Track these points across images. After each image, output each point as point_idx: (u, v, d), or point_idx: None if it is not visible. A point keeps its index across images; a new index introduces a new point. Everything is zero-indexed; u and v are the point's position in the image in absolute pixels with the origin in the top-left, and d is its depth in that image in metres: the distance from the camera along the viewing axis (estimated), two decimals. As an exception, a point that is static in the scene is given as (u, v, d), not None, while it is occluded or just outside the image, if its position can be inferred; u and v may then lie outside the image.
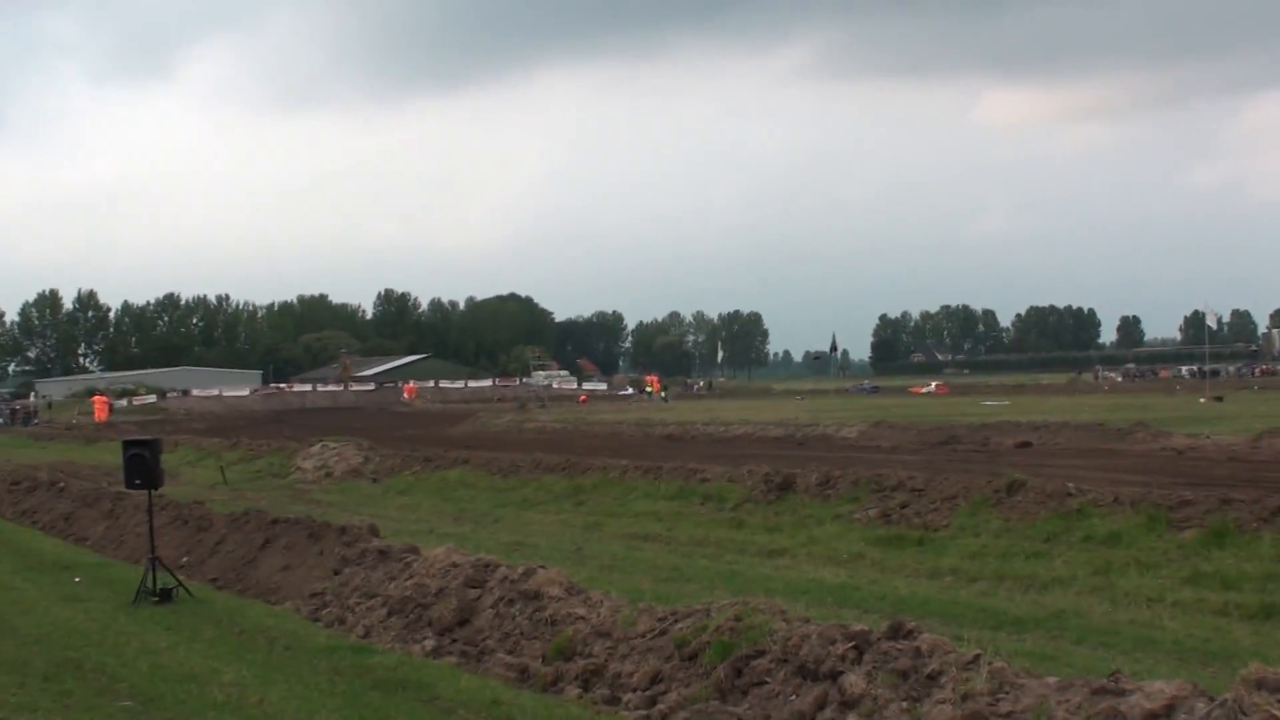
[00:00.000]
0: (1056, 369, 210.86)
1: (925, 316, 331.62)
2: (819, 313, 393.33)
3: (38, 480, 34.06)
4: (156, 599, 17.48)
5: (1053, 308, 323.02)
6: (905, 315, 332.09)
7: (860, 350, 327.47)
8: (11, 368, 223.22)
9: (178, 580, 18.12)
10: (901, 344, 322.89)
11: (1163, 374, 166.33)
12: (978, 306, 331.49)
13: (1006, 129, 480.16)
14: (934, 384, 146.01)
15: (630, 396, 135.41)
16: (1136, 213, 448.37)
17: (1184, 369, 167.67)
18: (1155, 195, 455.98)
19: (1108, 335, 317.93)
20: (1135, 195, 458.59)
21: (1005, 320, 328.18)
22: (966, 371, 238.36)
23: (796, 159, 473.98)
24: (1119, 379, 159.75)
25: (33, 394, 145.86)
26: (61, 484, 32.31)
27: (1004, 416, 58.15)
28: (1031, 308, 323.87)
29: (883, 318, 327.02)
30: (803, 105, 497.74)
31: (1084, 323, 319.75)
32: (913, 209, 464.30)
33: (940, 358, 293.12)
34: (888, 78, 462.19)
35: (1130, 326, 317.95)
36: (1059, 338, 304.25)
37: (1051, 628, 15.04)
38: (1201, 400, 78.60)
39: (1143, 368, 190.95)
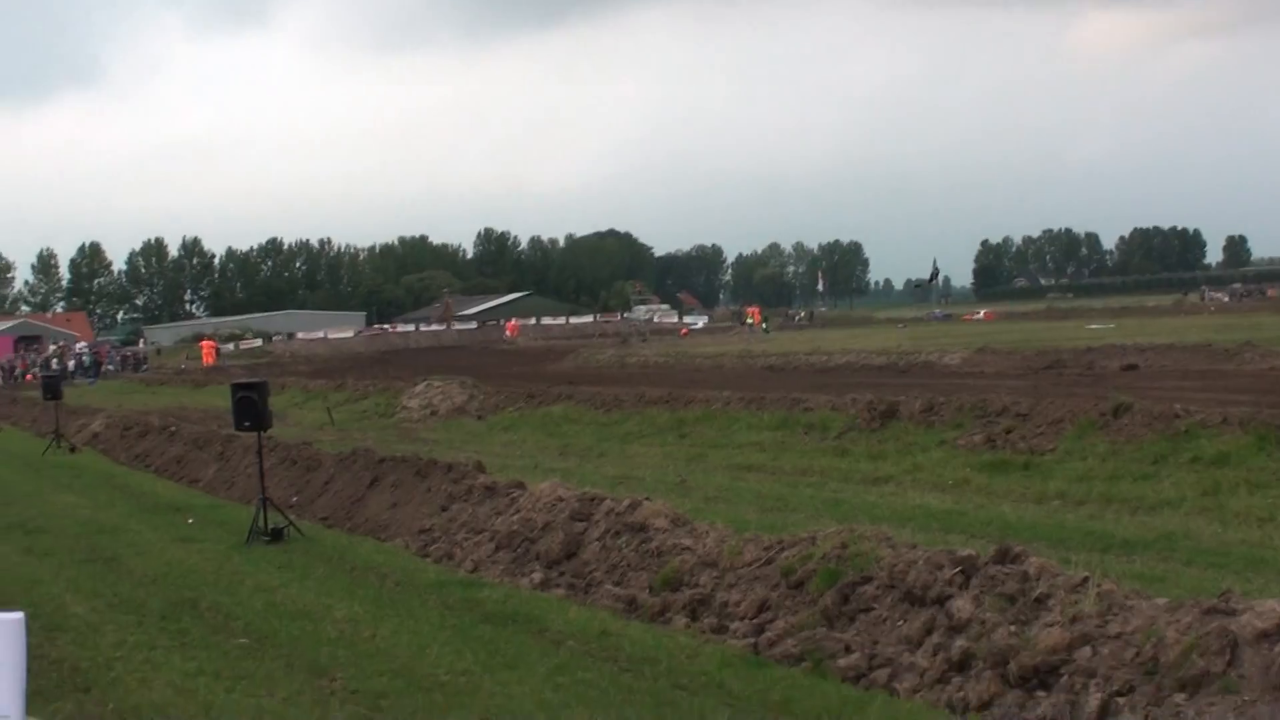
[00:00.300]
0: (1162, 291, 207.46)
1: (1027, 241, 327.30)
2: (920, 240, 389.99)
3: (149, 425, 34.59)
4: (268, 538, 17.73)
5: (1157, 229, 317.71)
6: (1007, 240, 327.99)
7: (962, 277, 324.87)
8: (120, 315, 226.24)
9: (288, 519, 18.35)
10: (1004, 269, 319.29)
11: (1270, 293, 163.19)
12: (1080, 230, 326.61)
13: (1109, 49, 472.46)
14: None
15: (731, 329, 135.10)
16: (1242, 130, 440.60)
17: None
18: (1261, 112, 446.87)
19: (1214, 255, 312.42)
20: (1240, 112, 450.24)
21: (1109, 243, 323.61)
22: (1070, 295, 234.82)
23: (895, 85, 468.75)
24: (1225, 299, 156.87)
25: (141, 341, 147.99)
26: (172, 428, 32.80)
27: (1109, 340, 57.39)
28: (1135, 229, 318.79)
29: (984, 243, 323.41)
30: (902, 30, 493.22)
31: (1189, 243, 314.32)
32: (1014, 133, 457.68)
33: (1043, 282, 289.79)
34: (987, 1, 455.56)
35: (1236, 246, 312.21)
36: (1164, 259, 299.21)
37: (1160, 549, 14.90)
38: (1311, 318, 77.20)
39: (1250, 287, 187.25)
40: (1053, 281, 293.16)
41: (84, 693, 10.44)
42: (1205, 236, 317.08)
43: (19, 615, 0.96)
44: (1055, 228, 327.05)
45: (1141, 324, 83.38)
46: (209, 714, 9.69)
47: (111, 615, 13.41)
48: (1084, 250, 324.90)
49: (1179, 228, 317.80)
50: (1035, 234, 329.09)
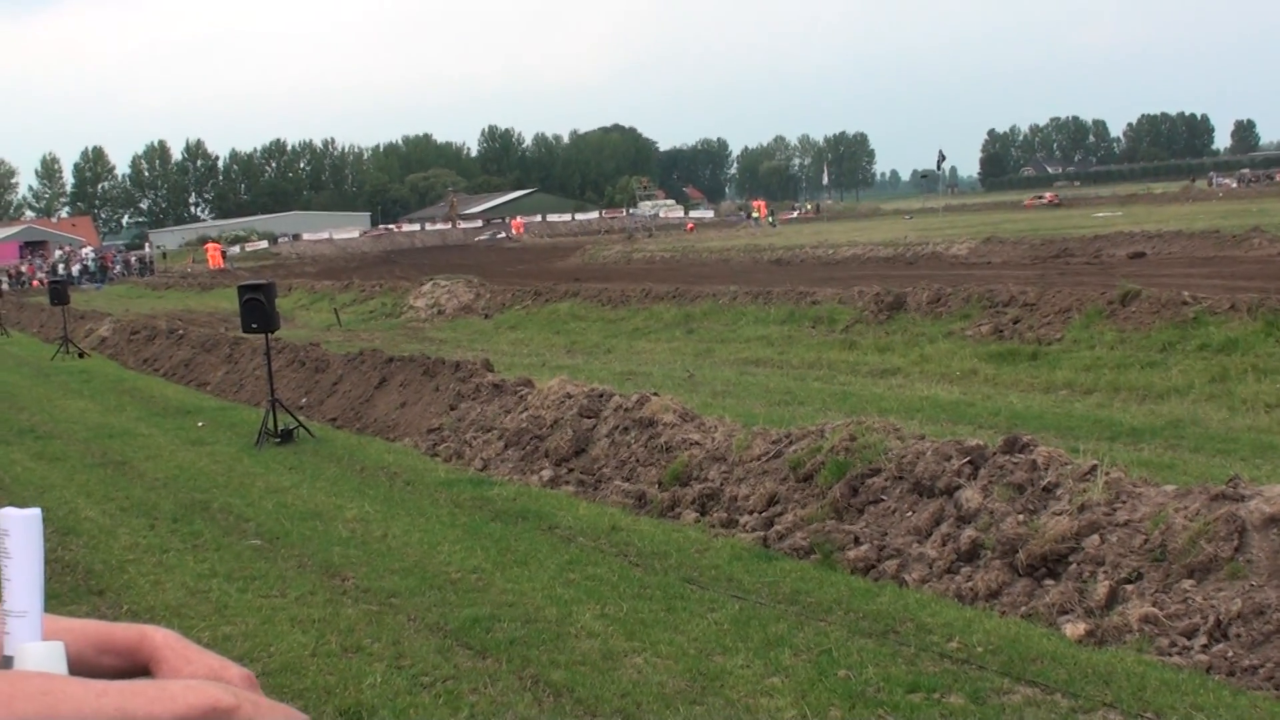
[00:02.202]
0: (1170, 178, 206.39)
1: (1034, 130, 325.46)
2: (926, 131, 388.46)
3: (157, 329, 34.59)
4: (278, 440, 17.79)
5: (1164, 115, 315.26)
6: (1014, 129, 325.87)
7: (969, 166, 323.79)
8: (125, 219, 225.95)
9: (298, 421, 18.40)
10: (1010, 158, 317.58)
11: (1279, 178, 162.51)
12: (1087, 117, 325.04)
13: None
14: (1047, 195, 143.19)
15: (737, 222, 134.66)
16: (1251, 12, 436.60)
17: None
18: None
19: (1221, 141, 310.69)
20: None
21: (1116, 130, 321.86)
22: (1077, 184, 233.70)
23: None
24: (1234, 185, 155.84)
25: (147, 244, 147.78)
26: (180, 331, 32.80)
27: (1117, 227, 57.23)
28: (1143, 116, 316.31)
29: (991, 132, 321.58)
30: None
31: (1196, 129, 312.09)
32: (1020, 21, 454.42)
33: (1050, 170, 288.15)
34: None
35: (1245, 131, 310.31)
36: (1171, 145, 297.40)
37: (1168, 437, 14.93)
38: (1321, 203, 76.92)
39: (1258, 172, 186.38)
40: (1060, 170, 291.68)
41: (98, 595, 10.52)
42: (1213, 122, 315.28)
43: (36, 511, 0.95)
44: (1062, 116, 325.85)
45: (1149, 211, 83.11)
46: (222, 614, 9.76)
47: (124, 519, 13.49)
48: (1091, 138, 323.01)
49: (1187, 113, 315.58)
50: (1042, 122, 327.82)
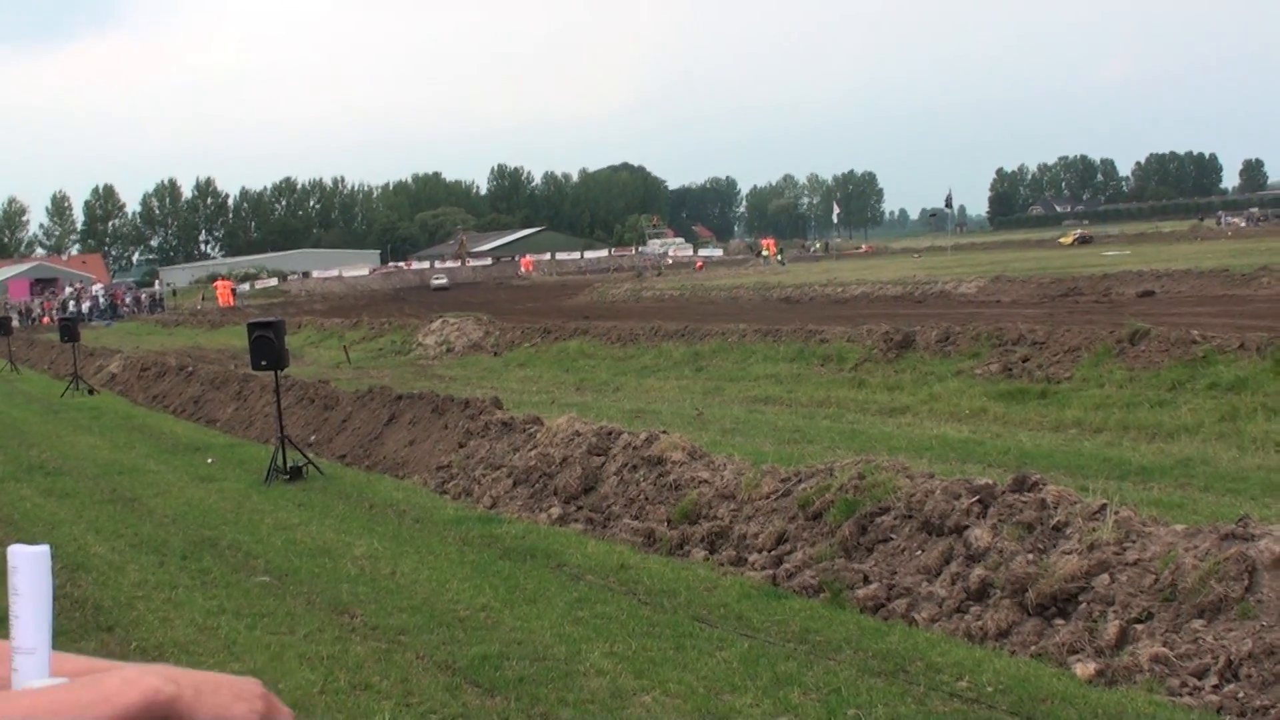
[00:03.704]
0: (1178, 216, 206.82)
1: (1043, 169, 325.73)
2: (934, 169, 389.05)
3: (167, 365, 34.66)
4: (287, 477, 17.79)
5: (1173, 154, 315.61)
6: (1022, 168, 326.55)
7: (978, 205, 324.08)
8: (136, 257, 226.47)
9: (307, 458, 18.42)
10: (1019, 197, 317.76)
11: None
12: (1096, 156, 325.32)
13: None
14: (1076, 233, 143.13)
15: (746, 261, 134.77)
16: (1258, 51, 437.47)
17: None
18: (1274, 32, 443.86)
19: (1230, 180, 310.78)
20: (1254, 34, 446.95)
21: (1124, 169, 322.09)
22: (1086, 222, 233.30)
23: (911, 11, 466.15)
24: (1242, 224, 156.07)
25: (157, 282, 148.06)
26: (190, 368, 32.86)
27: (1125, 266, 57.27)
28: (1151, 155, 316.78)
29: (999, 171, 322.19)
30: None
31: (1205, 168, 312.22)
32: (1029, 60, 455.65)
33: (1059, 209, 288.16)
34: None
35: (1253, 170, 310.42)
36: (1180, 184, 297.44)
37: (1178, 476, 14.90)
38: (1330, 241, 76.96)
39: (1267, 211, 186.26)
40: (1069, 209, 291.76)
41: (107, 631, 10.51)
42: (1221, 161, 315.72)
43: (44, 548, 0.96)
44: (1070, 155, 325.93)
45: (1158, 250, 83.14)
46: (231, 651, 9.76)
47: (133, 555, 13.49)
48: (1099, 177, 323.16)
49: (1195, 152, 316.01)
50: (1050, 161, 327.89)
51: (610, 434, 15.69)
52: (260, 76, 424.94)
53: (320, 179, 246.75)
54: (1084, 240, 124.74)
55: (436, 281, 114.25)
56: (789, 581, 10.83)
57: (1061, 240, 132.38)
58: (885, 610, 9.94)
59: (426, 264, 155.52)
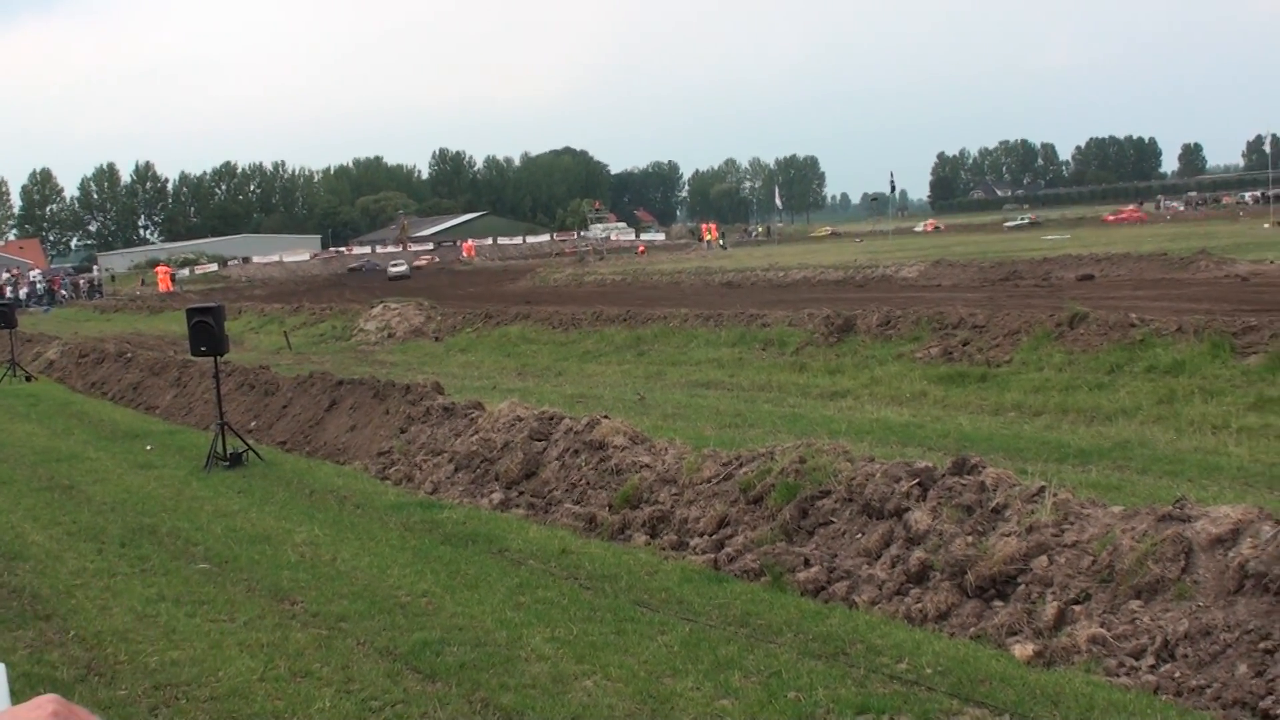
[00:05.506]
0: (1118, 200, 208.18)
1: (984, 153, 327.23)
2: (876, 154, 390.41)
3: (106, 352, 34.37)
4: (227, 463, 17.69)
5: (1113, 138, 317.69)
6: (964, 152, 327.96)
7: (919, 189, 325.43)
8: (74, 242, 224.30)
9: (247, 444, 18.31)
10: (960, 181, 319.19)
11: (1225, 201, 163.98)
12: (1037, 140, 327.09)
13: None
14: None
15: (689, 246, 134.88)
16: (1196, 39, 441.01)
17: (1247, 195, 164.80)
18: (1215, 19, 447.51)
19: (1169, 164, 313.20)
20: (1195, 20, 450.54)
21: (1065, 153, 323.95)
22: (1026, 206, 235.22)
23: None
24: (1181, 208, 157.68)
25: (96, 267, 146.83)
26: (129, 354, 32.59)
27: (1065, 250, 57.66)
28: (1091, 139, 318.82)
29: (940, 155, 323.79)
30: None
31: (1145, 153, 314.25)
32: (970, 44, 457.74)
33: (999, 193, 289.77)
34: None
35: (1192, 154, 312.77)
36: (1120, 169, 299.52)
37: (1116, 458, 15.03)
38: (1265, 226, 77.80)
39: (1205, 195, 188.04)
40: (1009, 193, 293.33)
41: (45, 620, 10.42)
42: (1161, 145, 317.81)
43: None
44: (1011, 139, 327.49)
45: (1097, 234, 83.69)
46: (170, 639, 9.69)
47: (71, 543, 13.38)
48: (1040, 161, 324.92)
49: (1135, 136, 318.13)
50: (991, 146, 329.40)
51: (552, 419, 15.68)
52: (200, 60, 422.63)
53: (260, 163, 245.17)
54: (1035, 224, 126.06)
55: (395, 268, 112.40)
56: (730, 565, 10.85)
57: (1005, 225, 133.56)
58: (826, 593, 9.97)
59: (368, 249, 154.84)
